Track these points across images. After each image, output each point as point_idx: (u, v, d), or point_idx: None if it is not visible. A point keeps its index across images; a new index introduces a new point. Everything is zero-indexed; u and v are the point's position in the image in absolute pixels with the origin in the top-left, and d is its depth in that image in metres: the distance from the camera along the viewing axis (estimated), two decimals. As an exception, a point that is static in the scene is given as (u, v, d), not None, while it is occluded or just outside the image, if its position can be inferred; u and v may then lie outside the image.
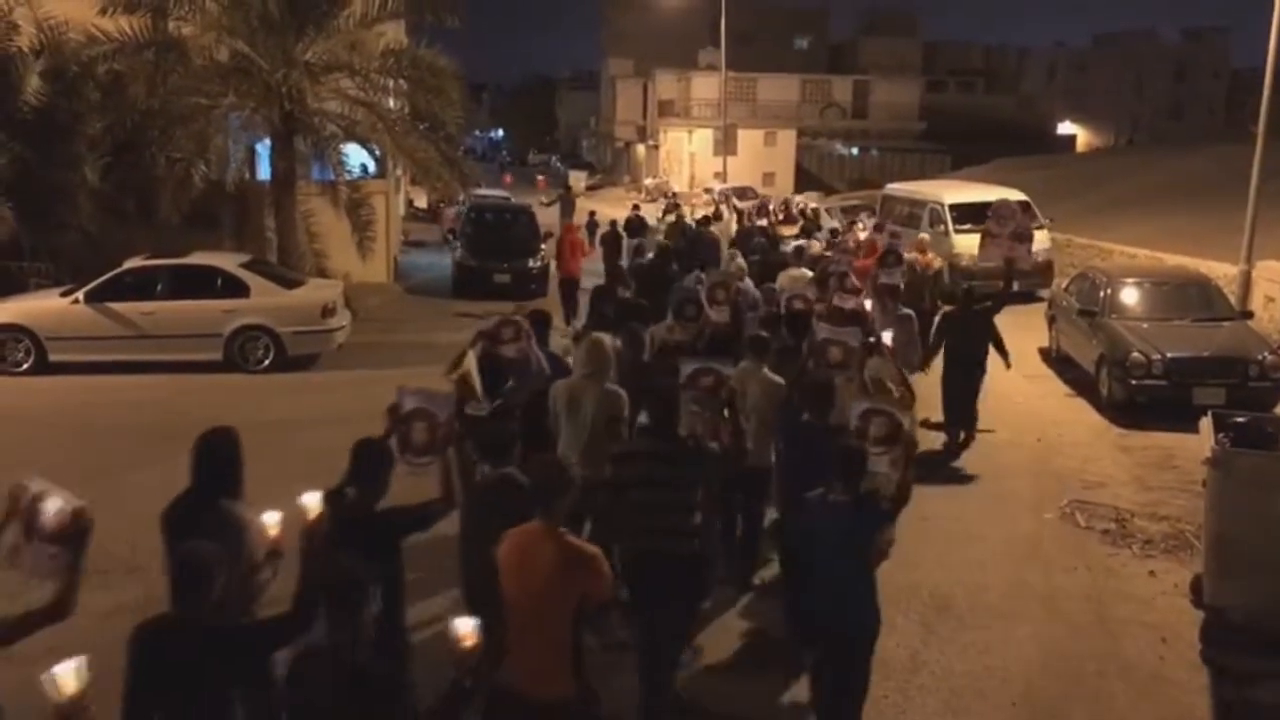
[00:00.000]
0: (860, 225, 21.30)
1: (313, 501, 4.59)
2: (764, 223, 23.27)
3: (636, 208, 26.56)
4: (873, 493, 5.73)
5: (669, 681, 6.05)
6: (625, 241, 21.24)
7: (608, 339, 7.41)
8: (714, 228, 20.64)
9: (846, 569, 5.43)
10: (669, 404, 6.20)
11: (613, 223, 23.03)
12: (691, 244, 17.52)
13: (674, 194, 41.49)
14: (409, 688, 3.99)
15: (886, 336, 9.36)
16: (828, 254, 15.09)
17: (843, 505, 5.46)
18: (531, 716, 4.56)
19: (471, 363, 7.13)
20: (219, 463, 5.06)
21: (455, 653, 3.76)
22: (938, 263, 15.40)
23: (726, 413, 6.82)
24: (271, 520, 4.76)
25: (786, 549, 6.11)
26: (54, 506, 4.47)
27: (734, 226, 23.57)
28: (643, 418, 6.70)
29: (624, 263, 19.08)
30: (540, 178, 34.48)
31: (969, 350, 11.50)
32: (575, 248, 20.03)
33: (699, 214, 26.33)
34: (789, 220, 24.88)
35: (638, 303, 10.24)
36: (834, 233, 20.08)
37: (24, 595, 4.42)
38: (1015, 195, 21.86)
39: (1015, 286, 13.29)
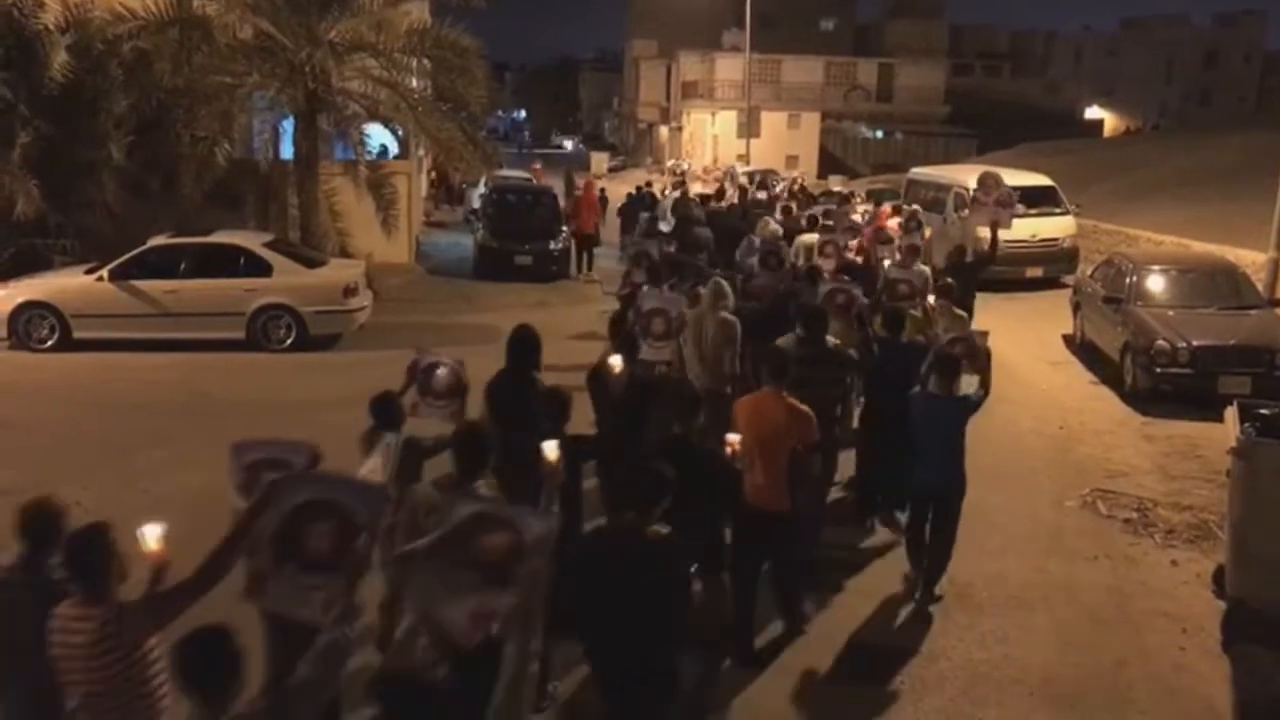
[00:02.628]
0: (857, 199, 23.63)
1: (617, 361, 7.06)
2: (763, 195, 24.99)
3: (649, 184, 28.79)
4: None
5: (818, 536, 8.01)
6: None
7: (725, 282, 9.60)
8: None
9: (944, 445, 7.39)
10: (819, 318, 8.18)
11: (628, 195, 25.17)
12: (713, 215, 19.30)
13: (682, 171, 41.91)
14: None
15: (931, 298, 10.74)
16: (829, 223, 17.47)
17: (941, 398, 7.43)
18: (763, 522, 6.51)
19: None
20: (528, 347, 6.86)
21: (727, 449, 5.91)
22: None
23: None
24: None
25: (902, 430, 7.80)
26: (443, 372, 6.66)
27: (735, 200, 24.75)
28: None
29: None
30: (536, 165, 34.45)
31: (960, 303, 12.01)
32: (590, 207, 23.15)
33: (701, 189, 28.81)
34: (793, 197, 25.71)
35: (684, 259, 12.13)
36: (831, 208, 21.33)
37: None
38: (1041, 180, 21.83)
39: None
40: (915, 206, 20.32)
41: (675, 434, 5.96)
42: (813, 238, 14.51)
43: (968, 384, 7.84)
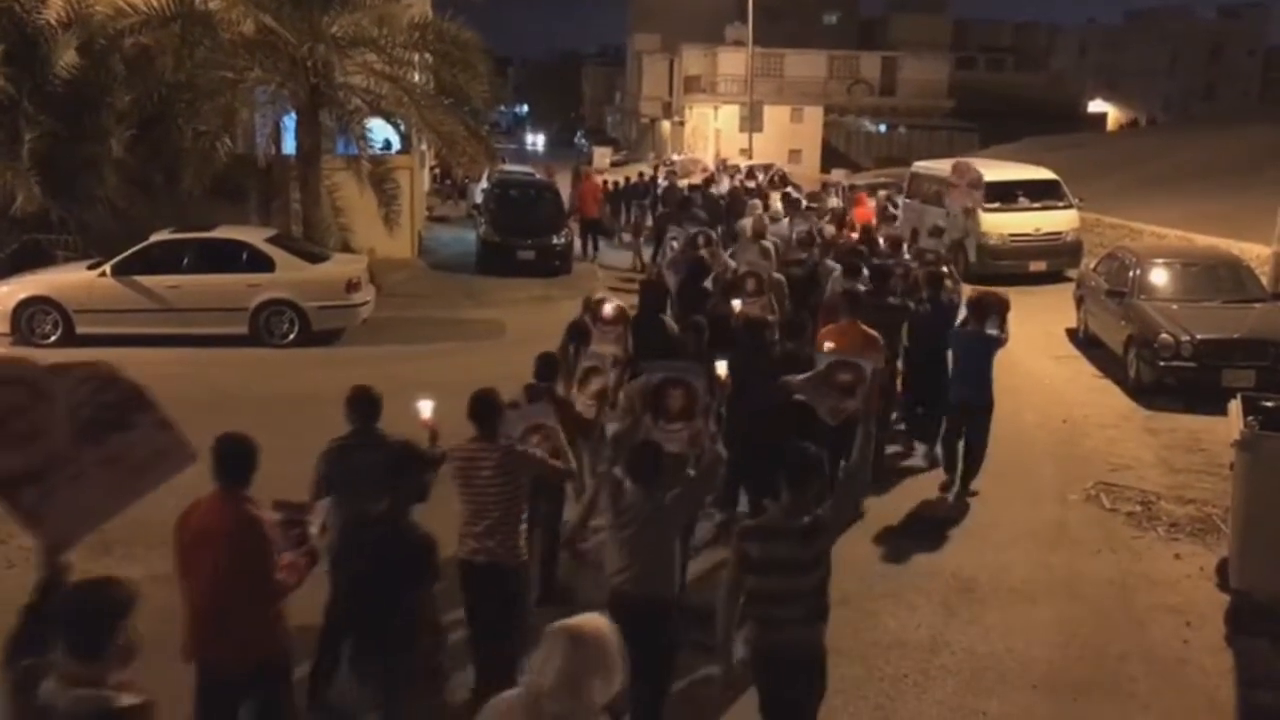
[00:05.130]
0: (833, 191, 26.73)
1: (737, 304, 10.05)
2: (752, 184, 27.43)
3: (641, 175, 31.37)
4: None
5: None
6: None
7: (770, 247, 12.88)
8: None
9: (978, 369, 9.42)
10: (885, 276, 10.71)
11: (616, 184, 28.26)
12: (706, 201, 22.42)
13: (672, 162, 42.71)
14: None
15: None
16: (813, 206, 20.78)
17: (976, 333, 9.47)
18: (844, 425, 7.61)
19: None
20: (656, 295, 10.08)
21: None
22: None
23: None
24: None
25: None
26: (610, 305, 9.02)
27: (725, 188, 27.16)
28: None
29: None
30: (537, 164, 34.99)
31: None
32: (593, 194, 25.01)
33: (695, 179, 30.95)
34: (773, 185, 28.41)
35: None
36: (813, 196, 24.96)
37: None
38: (1044, 174, 21.79)
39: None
40: (884, 193, 23.40)
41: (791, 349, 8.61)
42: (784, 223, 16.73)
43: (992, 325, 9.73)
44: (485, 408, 5.82)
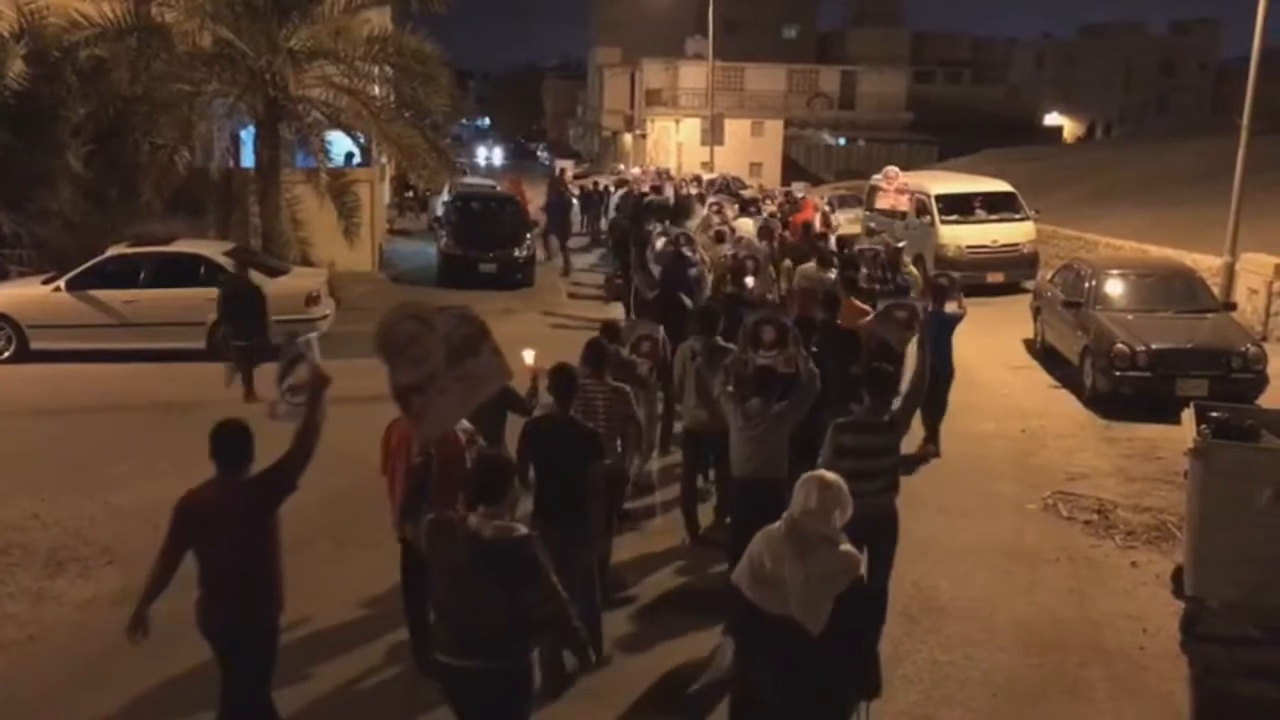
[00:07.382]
0: (769, 199, 28.81)
1: (750, 281, 12.18)
2: (696, 191, 28.94)
3: (596, 184, 33.46)
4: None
5: None
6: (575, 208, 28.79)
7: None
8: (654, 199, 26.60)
9: (939, 345, 10.24)
10: (853, 264, 13.38)
11: (557, 194, 28.69)
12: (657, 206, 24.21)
13: (621, 172, 43.47)
14: None
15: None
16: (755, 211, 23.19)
17: (938, 313, 10.64)
18: None
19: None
20: (673, 281, 12.31)
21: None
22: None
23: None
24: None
25: None
26: (650, 295, 12.28)
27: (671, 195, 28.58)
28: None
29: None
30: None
31: None
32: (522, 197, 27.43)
33: (643, 188, 32.33)
34: (719, 191, 30.36)
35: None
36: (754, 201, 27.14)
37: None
38: (1001, 186, 22.04)
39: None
40: (826, 200, 26.10)
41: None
42: (748, 221, 19.21)
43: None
44: (597, 352, 7.71)
